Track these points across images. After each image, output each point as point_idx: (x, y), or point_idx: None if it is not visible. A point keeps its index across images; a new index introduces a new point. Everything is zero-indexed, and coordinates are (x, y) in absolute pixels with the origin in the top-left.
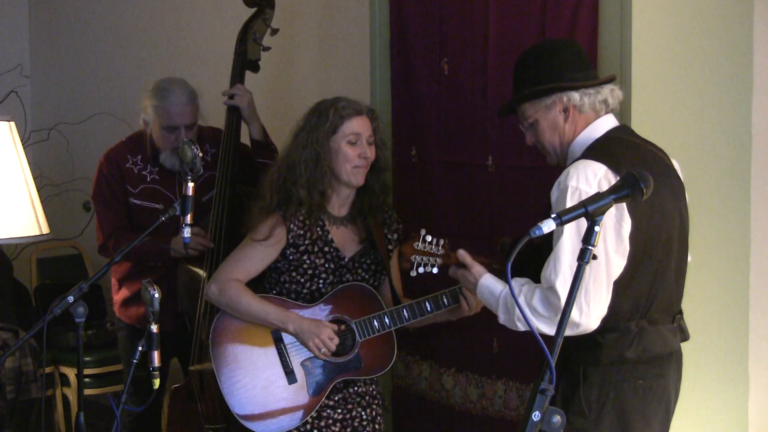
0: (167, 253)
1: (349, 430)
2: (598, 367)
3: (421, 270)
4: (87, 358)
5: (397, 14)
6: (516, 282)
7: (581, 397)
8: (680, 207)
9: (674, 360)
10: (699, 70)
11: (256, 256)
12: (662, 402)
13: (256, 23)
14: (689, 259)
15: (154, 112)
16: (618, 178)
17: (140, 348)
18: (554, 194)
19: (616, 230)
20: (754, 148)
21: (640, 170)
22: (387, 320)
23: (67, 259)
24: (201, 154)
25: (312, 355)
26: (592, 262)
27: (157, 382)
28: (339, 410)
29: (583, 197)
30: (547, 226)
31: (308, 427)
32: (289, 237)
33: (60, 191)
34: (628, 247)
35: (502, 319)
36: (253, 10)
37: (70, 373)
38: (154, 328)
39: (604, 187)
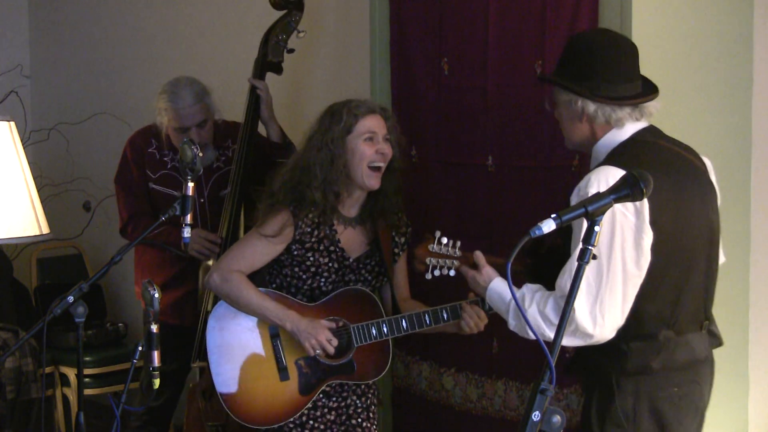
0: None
1: (343, 417)
2: (630, 377)
3: (437, 273)
4: (87, 358)
5: (397, 14)
6: (528, 288)
7: (618, 408)
8: (708, 211)
9: (707, 367)
10: (699, 70)
11: (261, 250)
12: (698, 409)
13: (281, 25)
14: (722, 260)
15: (165, 114)
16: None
17: (140, 348)
18: (573, 200)
19: (635, 242)
20: (754, 148)
21: (640, 170)
22: (385, 328)
23: (67, 259)
24: (201, 154)
25: (306, 354)
26: (608, 273)
27: (157, 382)
28: (334, 398)
29: None
30: (547, 226)
31: (303, 419)
32: (296, 234)
33: (60, 191)
34: (649, 258)
35: (512, 325)
36: (282, 12)
37: (70, 373)
38: (154, 328)
39: None
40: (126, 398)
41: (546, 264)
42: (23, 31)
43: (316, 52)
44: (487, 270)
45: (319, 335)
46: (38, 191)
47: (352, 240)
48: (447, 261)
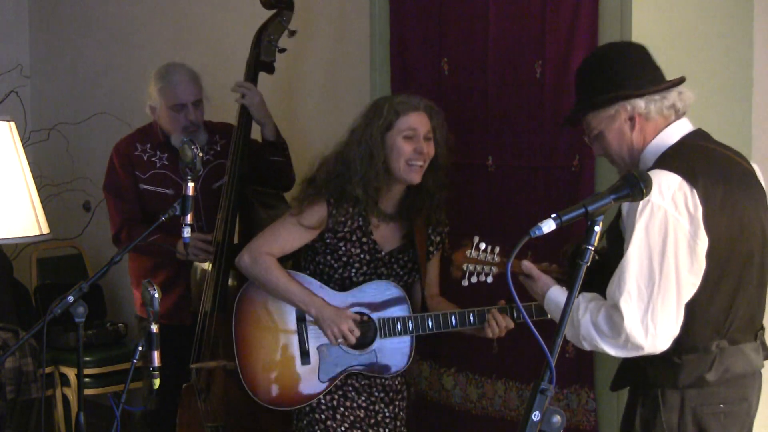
0: (173, 254)
1: (372, 421)
2: (677, 390)
3: (474, 279)
4: (87, 358)
5: (397, 14)
6: (584, 297)
7: (662, 422)
8: (761, 216)
9: (756, 380)
10: (699, 70)
11: (294, 235)
12: (745, 425)
13: (272, 25)
14: None
15: (159, 94)
16: (694, 189)
17: (140, 348)
18: (625, 206)
19: (690, 248)
20: (754, 148)
21: (641, 171)
22: (411, 325)
23: (67, 259)
24: (201, 154)
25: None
26: (661, 280)
27: (157, 382)
28: (363, 397)
29: (656, 211)
30: (547, 226)
31: (334, 403)
32: (330, 222)
33: (60, 191)
34: (703, 266)
35: (568, 335)
36: (272, 12)
37: (70, 373)
38: (154, 328)
39: (680, 200)
40: (126, 398)
41: (590, 272)
42: (23, 31)
43: (316, 53)
44: (545, 279)
45: (342, 325)
46: (38, 191)
47: (386, 234)
48: (485, 267)
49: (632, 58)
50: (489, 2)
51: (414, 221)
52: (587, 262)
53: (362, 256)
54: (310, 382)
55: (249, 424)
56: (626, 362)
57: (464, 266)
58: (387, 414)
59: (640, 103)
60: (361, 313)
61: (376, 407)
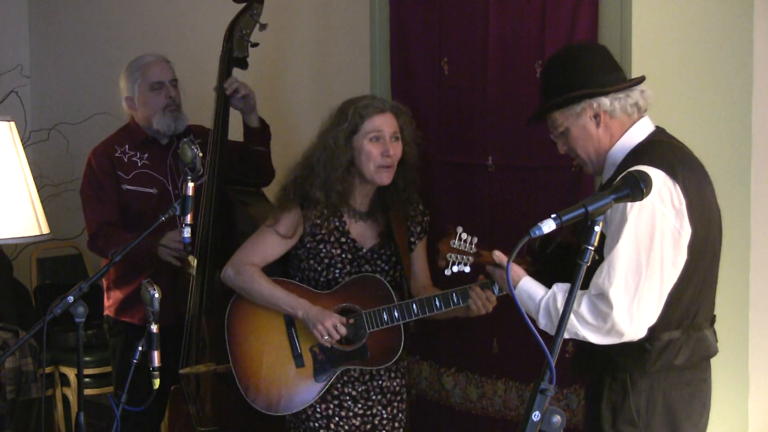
0: (154, 256)
1: (369, 426)
2: (646, 375)
3: (455, 269)
4: (87, 358)
5: (397, 14)
6: (559, 288)
7: (631, 405)
8: (717, 206)
9: (709, 363)
10: (699, 70)
11: (273, 243)
12: (705, 406)
13: (243, 19)
14: None
15: (134, 79)
16: (676, 183)
17: (140, 348)
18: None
19: (675, 241)
20: (754, 148)
21: (640, 170)
22: (396, 313)
23: (67, 259)
24: (201, 154)
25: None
26: (648, 272)
27: (157, 382)
28: (360, 404)
29: (644, 205)
30: (547, 226)
31: (329, 413)
32: (306, 226)
33: (60, 191)
34: (685, 257)
35: (542, 324)
36: (241, 6)
37: (70, 373)
38: (154, 328)
39: (665, 195)
40: (126, 398)
41: (557, 262)
42: (23, 31)
43: (315, 53)
44: (516, 269)
45: (326, 321)
46: (38, 191)
47: (364, 231)
48: (464, 257)
49: (596, 58)
50: (489, 2)
51: (390, 216)
52: (587, 262)
53: (344, 255)
54: (306, 384)
55: (243, 428)
56: (589, 349)
57: (447, 256)
58: (385, 415)
59: (605, 101)
60: (349, 309)
61: (374, 410)
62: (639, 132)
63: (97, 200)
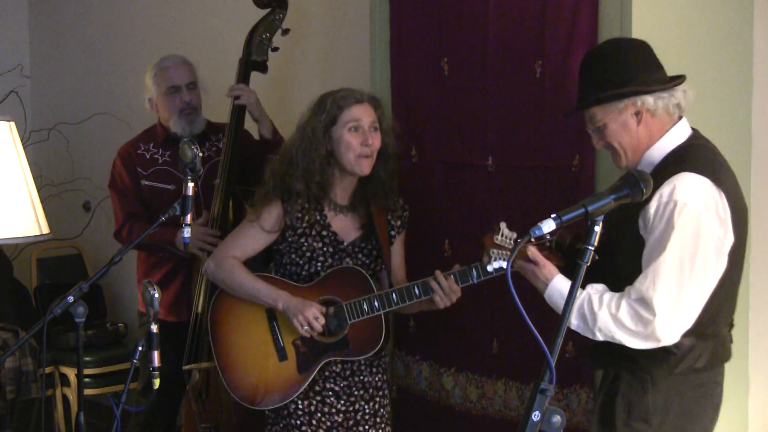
0: (173, 251)
1: (351, 422)
2: (668, 376)
3: (495, 264)
4: (87, 358)
5: (397, 14)
6: (594, 289)
7: (648, 403)
8: (747, 208)
9: (723, 367)
10: (699, 70)
11: (254, 236)
12: (716, 409)
13: (265, 24)
14: None
15: (154, 81)
16: (721, 192)
17: (140, 348)
18: (653, 207)
19: (717, 250)
20: (754, 148)
21: (640, 170)
22: (376, 303)
23: (67, 259)
24: (201, 154)
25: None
26: (691, 282)
27: (156, 382)
28: (342, 400)
29: (691, 214)
30: (547, 226)
31: (312, 409)
32: (287, 219)
33: (60, 191)
34: (725, 265)
35: (574, 325)
36: (266, 11)
37: (70, 373)
38: (154, 328)
39: (711, 204)
40: (126, 398)
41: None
42: (23, 31)
43: (315, 53)
44: (549, 268)
45: (306, 312)
46: (38, 191)
47: (345, 225)
48: (504, 252)
49: (640, 55)
50: (489, 2)
51: (371, 209)
52: (587, 262)
53: (325, 249)
54: (290, 377)
55: (244, 424)
56: (608, 346)
57: (491, 251)
58: (367, 411)
59: (650, 100)
60: (330, 301)
61: (356, 406)
62: (678, 134)
63: (120, 195)
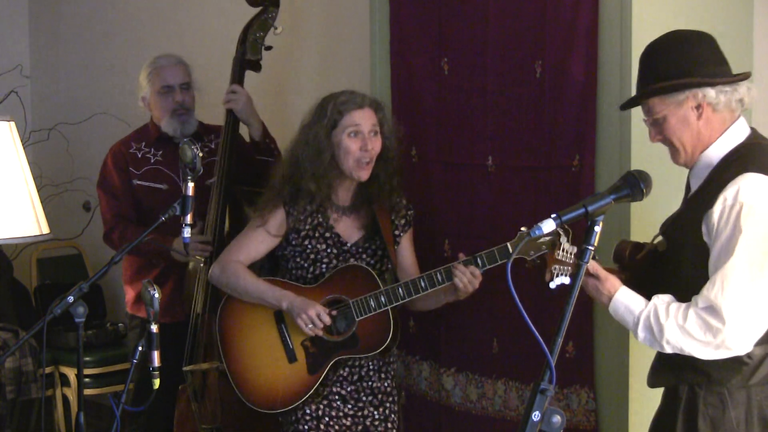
0: (167, 254)
1: (360, 427)
2: (742, 388)
3: (558, 281)
4: (87, 358)
5: (397, 14)
6: (660, 300)
7: (732, 419)
8: None
9: None
10: None
11: (258, 240)
12: None
13: (258, 22)
14: None
15: (148, 80)
16: None
17: (140, 348)
18: (717, 211)
19: None
20: None
21: (640, 170)
22: (383, 299)
23: (67, 259)
24: (201, 154)
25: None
26: (763, 286)
27: (156, 382)
28: (350, 405)
29: (757, 215)
30: (547, 226)
31: (319, 413)
32: (290, 221)
33: (60, 191)
34: None
35: (641, 337)
36: (257, 9)
37: (70, 373)
38: (154, 328)
39: None
40: (126, 398)
41: (648, 269)
42: (23, 31)
43: (315, 53)
44: (612, 281)
45: (309, 310)
46: (38, 191)
47: (348, 226)
48: (565, 268)
49: (704, 47)
50: (489, 2)
51: (374, 210)
52: (587, 262)
53: (329, 250)
54: (301, 378)
55: (245, 425)
56: (675, 360)
57: (552, 268)
58: (377, 416)
59: (711, 93)
60: (337, 299)
61: (365, 412)
62: (738, 133)
63: (110, 196)
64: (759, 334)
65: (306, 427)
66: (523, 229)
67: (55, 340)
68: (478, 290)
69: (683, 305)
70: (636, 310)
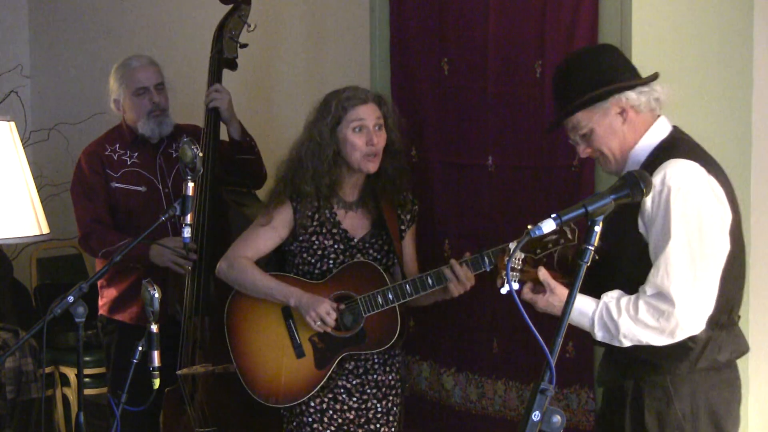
0: (146, 260)
1: (362, 420)
2: (687, 377)
3: (507, 288)
4: (87, 358)
5: (397, 14)
6: (609, 297)
7: (677, 411)
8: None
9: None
10: (699, 70)
11: (266, 236)
12: (740, 404)
13: (231, 20)
14: None
15: (120, 82)
16: (710, 174)
17: (140, 348)
18: (649, 200)
19: (720, 229)
20: (754, 148)
21: (640, 170)
22: (390, 295)
23: (67, 259)
24: (201, 154)
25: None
26: (703, 263)
27: (157, 382)
28: (355, 398)
29: (688, 197)
30: (547, 226)
31: (323, 406)
32: (297, 217)
33: (60, 191)
34: (729, 245)
35: (600, 336)
36: (229, 7)
37: (70, 373)
38: (154, 328)
39: (704, 184)
40: (126, 398)
41: (589, 272)
42: (23, 31)
43: (315, 53)
44: (560, 288)
45: (318, 308)
46: (38, 191)
47: (355, 221)
48: (515, 274)
49: (613, 56)
50: (489, 2)
51: (380, 205)
52: (587, 262)
53: (336, 246)
54: (308, 373)
55: (241, 428)
56: (619, 355)
57: (503, 274)
58: (379, 409)
59: (633, 95)
60: (344, 295)
61: (368, 404)
62: (660, 130)
63: (86, 199)
64: (709, 311)
65: (310, 419)
66: (530, 227)
67: (55, 340)
68: (478, 290)
69: (632, 297)
70: (589, 312)
